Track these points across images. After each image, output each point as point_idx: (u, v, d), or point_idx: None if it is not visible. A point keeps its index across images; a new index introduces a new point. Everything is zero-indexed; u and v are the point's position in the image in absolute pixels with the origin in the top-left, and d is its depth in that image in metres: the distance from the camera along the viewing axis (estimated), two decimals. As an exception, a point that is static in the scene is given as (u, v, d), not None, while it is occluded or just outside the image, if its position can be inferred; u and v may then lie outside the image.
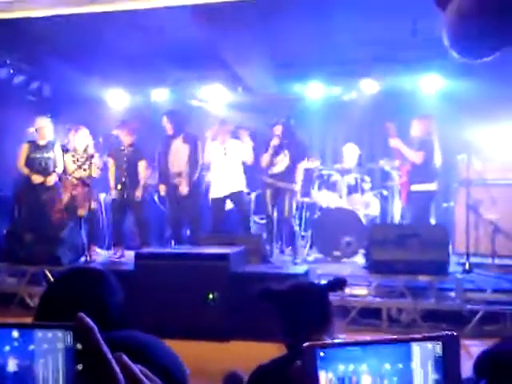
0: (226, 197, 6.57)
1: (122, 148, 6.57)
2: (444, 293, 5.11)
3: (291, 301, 1.88)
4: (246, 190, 6.75)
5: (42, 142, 6.74)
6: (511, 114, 7.02)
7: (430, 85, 7.88)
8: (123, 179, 6.46)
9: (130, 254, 5.59)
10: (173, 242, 6.80)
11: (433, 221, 6.88)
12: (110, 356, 0.55)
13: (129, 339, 1.00)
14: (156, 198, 7.72)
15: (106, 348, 0.55)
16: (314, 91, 8.26)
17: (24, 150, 6.69)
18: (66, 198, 6.45)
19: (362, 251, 6.41)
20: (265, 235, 6.55)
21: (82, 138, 6.58)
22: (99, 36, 6.83)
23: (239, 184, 6.56)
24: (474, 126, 6.76)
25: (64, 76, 7.98)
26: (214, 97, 8.57)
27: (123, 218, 6.65)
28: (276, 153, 6.40)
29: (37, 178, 6.59)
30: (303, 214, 7.39)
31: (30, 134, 6.88)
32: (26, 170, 6.62)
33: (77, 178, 6.50)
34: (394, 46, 7.14)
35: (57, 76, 8.25)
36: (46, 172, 6.65)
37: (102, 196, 7.43)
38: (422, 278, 4.99)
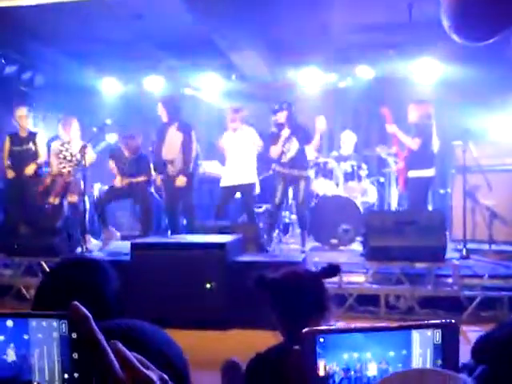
0: (235, 187, 6.50)
1: (126, 157, 6.61)
2: (441, 279, 5.11)
3: (287, 288, 1.87)
4: (255, 181, 6.64)
5: (22, 134, 6.69)
6: (507, 100, 7.00)
7: (425, 70, 7.84)
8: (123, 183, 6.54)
9: (126, 245, 5.56)
10: (169, 232, 6.78)
11: (430, 207, 6.88)
12: (105, 344, 0.55)
13: (129, 327, 0.98)
14: (152, 188, 7.69)
15: (101, 336, 0.55)
16: (309, 78, 8.20)
17: (6, 143, 6.67)
18: (55, 187, 6.43)
19: (359, 239, 6.40)
20: (261, 224, 6.52)
21: (72, 130, 6.54)
22: (91, 24, 6.76)
23: (250, 176, 6.48)
24: (470, 111, 6.75)
25: (56, 65, 7.91)
26: (207, 85, 8.51)
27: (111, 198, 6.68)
28: (284, 142, 6.33)
29: (10, 173, 6.62)
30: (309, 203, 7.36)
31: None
32: (6, 163, 6.62)
33: (64, 169, 6.47)
34: (390, 31, 7.08)
35: (49, 66, 8.18)
36: (23, 164, 6.61)
37: (97, 186, 7.39)
38: (420, 265, 4.98)
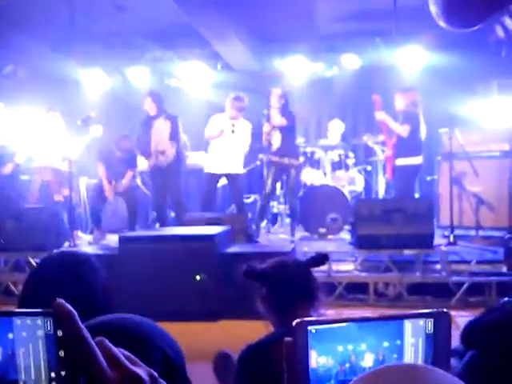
0: (221, 175, 6.47)
1: (117, 155, 6.57)
2: (429, 266, 5.15)
3: (275, 278, 1.88)
4: (242, 172, 6.61)
5: None
6: (490, 86, 7.04)
7: (411, 58, 7.85)
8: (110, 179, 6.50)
9: (113, 238, 5.53)
10: (157, 225, 6.75)
11: (417, 195, 6.92)
12: (91, 341, 0.54)
13: (124, 322, 0.98)
14: (139, 181, 7.65)
15: (86, 333, 0.54)
16: (296, 67, 8.18)
17: None
18: (37, 184, 6.36)
19: (347, 227, 6.43)
20: (250, 215, 6.52)
21: (55, 123, 6.46)
22: (75, 15, 6.67)
23: (238, 166, 6.43)
24: (455, 98, 6.77)
25: (39, 57, 7.79)
26: (192, 75, 8.44)
27: (104, 203, 6.62)
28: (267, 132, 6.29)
29: None
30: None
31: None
32: None
33: (49, 164, 6.41)
34: (375, 19, 7.07)
35: (32, 58, 8.05)
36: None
37: (83, 180, 7.32)
38: (408, 252, 5.02)
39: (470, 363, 2.06)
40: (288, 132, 6.29)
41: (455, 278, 4.88)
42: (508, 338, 1.96)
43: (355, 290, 5.05)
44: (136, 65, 8.43)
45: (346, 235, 6.48)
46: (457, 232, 6.02)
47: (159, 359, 0.95)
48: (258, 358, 1.79)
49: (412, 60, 7.85)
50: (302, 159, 6.58)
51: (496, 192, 6.14)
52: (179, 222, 6.08)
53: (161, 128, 6.34)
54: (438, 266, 5.07)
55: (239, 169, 6.46)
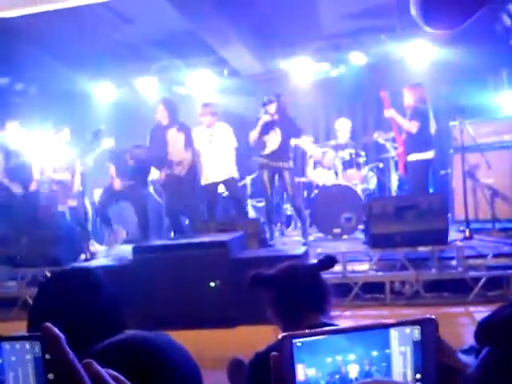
0: (217, 183, 6.52)
1: (130, 164, 6.64)
2: (445, 262, 5.08)
3: (283, 284, 1.86)
4: (236, 176, 6.65)
5: (14, 148, 6.68)
6: (501, 76, 6.96)
7: (418, 53, 7.78)
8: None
9: (127, 248, 5.56)
10: (172, 233, 6.78)
11: (431, 189, 6.85)
12: (77, 364, 0.55)
13: (139, 342, 0.97)
14: (151, 189, 7.69)
15: (72, 356, 0.55)
16: (302, 69, 8.16)
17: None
18: (44, 195, 6.46)
19: (361, 227, 6.39)
20: (262, 219, 6.51)
21: (62, 139, 6.55)
22: (83, 29, 6.76)
23: (229, 171, 6.48)
24: (465, 90, 6.70)
25: (49, 73, 7.90)
26: (200, 82, 8.48)
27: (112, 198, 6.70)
28: (266, 131, 6.30)
29: (15, 188, 6.59)
30: (301, 193, 7.35)
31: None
32: (5, 181, 6.59)
33: (57, 178, 6.50)
34: (379, 15, 7.03)
35: (42, 74, 8.16)
36: (24, 181, 6.61)
37: (97, 192, 7.39)
38: (422, 249, 4.96)
39: (485, 360, 2.03)
40: (288, 137, 6.32)
41: (472, 273, 4.82)
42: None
43: (371, 290, 5.01)
44: (144, 75, 8.50)
45: (360, 235, 6.43)
46: (473, 226, 5.95)
47: (177, 378, 0.94)
48: (267, 364, 1.78)
49: (419, 54, 7.78)
50: (291, 163, 6.56)
51: (510, 183, 6.05)
52: (193, 230, 6.10)
53: (175, 138, 6.39)
54: (454, 262, 5.00)
55: (231, 173, 6.49)
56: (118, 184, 6.57)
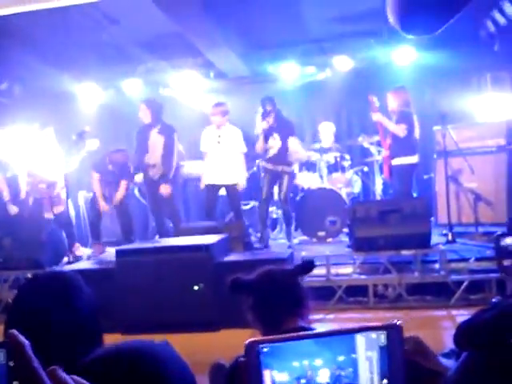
0: (219, 186, 6.41)
1: (110, 168, 6.54)
2: (428, 265, 5.13)
3: (261, 288, 1.87)
4: (242, 182, 6.40)
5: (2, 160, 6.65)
6: (485, 80, 7.03)
7: (403, 57, 7.83)
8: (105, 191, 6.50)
9: (112, 251, 5.53)
10: (157, 236, 6.74)
11: (415, 194, 6.90)
12: (41, 372, 0.55)
13: (136, 350, 0.95)
14: (136, 191, 7.65)
15: (37, 364, 0.55)
16: (288, 72, 8.17)
17: None
18: (30, 201, 6.38)
19: (345, 230, 6.41)
20: (247, 222, 6.51)
21: (48, 139, 6.49)
22: (67, 30, 6.70)
23: (234, 176, 6.32)
24: (449, 95, 6.76)
25: (34, 74, 7.82)
26: (186, 84, 8.46)
27: (100, 215, 6.61)
28: (266, 138, 6.30)
29: (7, 196, 6.57)
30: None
31: None
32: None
33: (41, 180, 6.44)
34: (365, 20, 7.07)
35: (26, 74, 8.08)
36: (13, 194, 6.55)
37: (81, 194, 7.34)
38: (406, 252, 5.00)
39: (465, 364, 2.05)
40: (286, 140, 6.32)
41: (454, 277, 4.87)
42: (500, 338, 1.96)
43: (355, 293, 5.04)
44: (130, 77, 8.46)
45: (345, 238, 6.46)
46: (456, 229, 6.00)
47: None
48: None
49: (405, 59, 7.84)
50: (295, 167, 6.57)
51: (493, 188, 6.12)
52: (176, 233, 6.07)
53: (155, 140, 6.33)
54: (437, 266, 5.05)
55: (236, 179, 6.34)
56: (105, 208, 6.53)
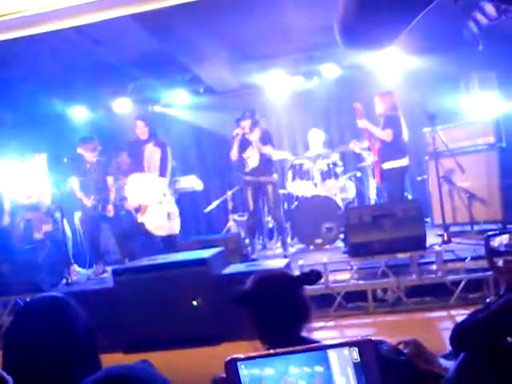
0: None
1: (88, 166, 6.51)
2: (425, 267, 5.13)
3: (264, 300, 1.86)
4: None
5: None
6: (473, 80, 7.07)
7: (391, 62, 7.88)
8: (94, 197, 6.41)
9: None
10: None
11: (410, 196, 6.92)
12: None
13: (125, 374, 0.96)
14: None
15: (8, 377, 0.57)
16: (277, 82, 8.22)
17: None
18: (21, 224, 6.39)
19: (341, 236, 6.42)
20: (243, 233, 6.52)
21: (39, 165, 6.51)
22: (54, 54, 6.72)
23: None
24: (437, 96, 6.80)
25: (24, 99, 7.84)
26: (176, 101, 8.51)
27: (98, 234, 6.60)
28: (243, 149, 6.36)
29: None
30: (281, 206, 7.37)
31: None
32: None
33: (30, 203, 6.44)
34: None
35: (17, 99, 8.09)
36: None
37: (77, 215, 7.33)
38: (402, 255, 5.01)
39: (462, 364, 2.06)
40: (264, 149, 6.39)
41: (452, 277, 4.87)
42: (494, 337, 1.96)
43: (354, 299, 5.04)
44: (119, 96, 8.48)
45: (342, 244, 6.46)
46: (452, 229, 6.02)
47: None
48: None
49: (391, 63, 7.89)
50: (275, 176, 6.61)
51: (486, 186, 6.14)
52: (174, 248, 6.07)
53: (152, 153, 6.39)
54: (434, 267, 5.05)
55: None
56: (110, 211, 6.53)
